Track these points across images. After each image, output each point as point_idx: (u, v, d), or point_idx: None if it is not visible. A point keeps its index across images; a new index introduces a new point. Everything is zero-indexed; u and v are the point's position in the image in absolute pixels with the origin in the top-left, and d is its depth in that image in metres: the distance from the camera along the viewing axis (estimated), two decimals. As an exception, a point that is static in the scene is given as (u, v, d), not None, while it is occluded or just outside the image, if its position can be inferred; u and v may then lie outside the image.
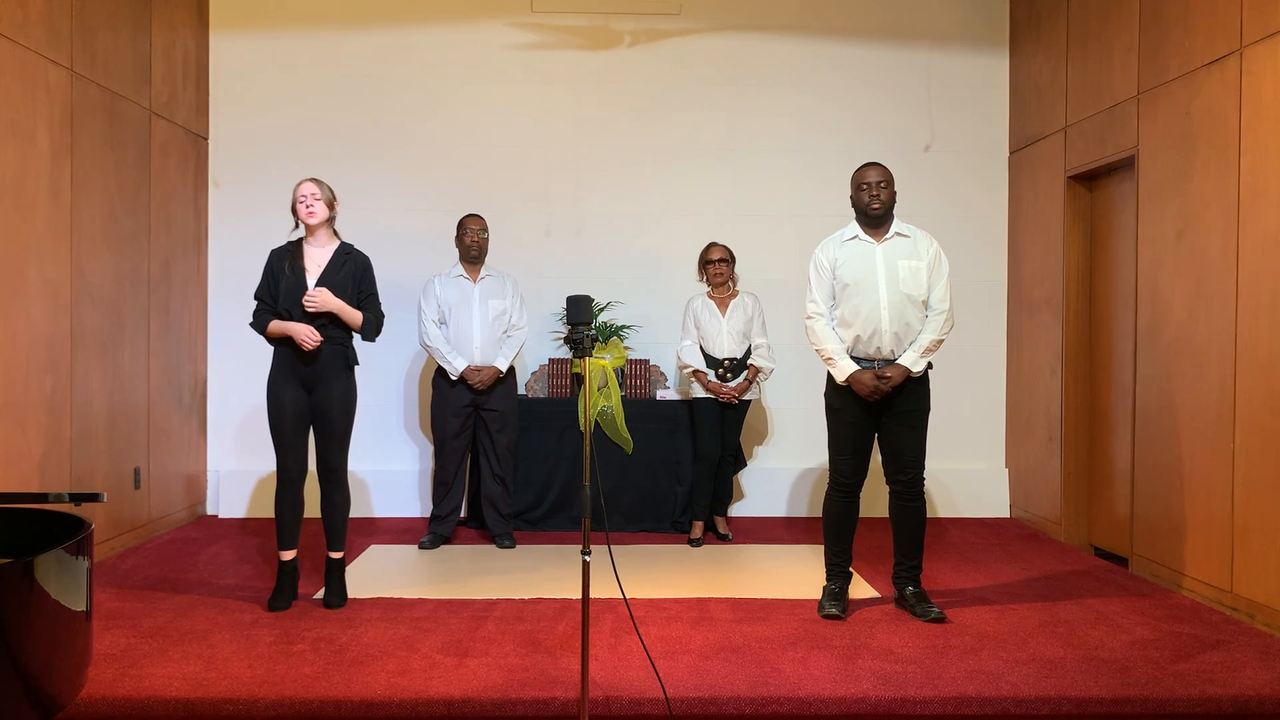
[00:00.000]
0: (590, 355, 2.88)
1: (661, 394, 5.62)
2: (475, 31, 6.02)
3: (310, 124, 5.96)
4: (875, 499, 5.02)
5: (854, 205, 3.90)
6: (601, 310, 5.83)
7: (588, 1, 6.00)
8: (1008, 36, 6.13)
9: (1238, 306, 3.96)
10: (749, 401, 5.27)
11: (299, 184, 3.93)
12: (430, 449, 5.91)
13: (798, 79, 6.09)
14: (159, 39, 5.29)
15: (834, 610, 3.81)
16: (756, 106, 6.08)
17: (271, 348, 3.95)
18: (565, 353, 5.92)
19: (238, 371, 5.85)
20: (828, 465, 4.00)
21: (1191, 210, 4.27)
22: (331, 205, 3.96)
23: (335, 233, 4.02)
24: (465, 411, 5.02)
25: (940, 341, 3.83)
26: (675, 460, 5.46)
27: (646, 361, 5.77)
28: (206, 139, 5.89)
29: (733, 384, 5.15)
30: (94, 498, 2.46)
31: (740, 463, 5.51)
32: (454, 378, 4.96)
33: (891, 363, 3.79)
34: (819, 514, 5.76)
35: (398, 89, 6.00)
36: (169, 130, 5.40)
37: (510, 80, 6.02)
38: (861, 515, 4.08)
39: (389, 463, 5.97)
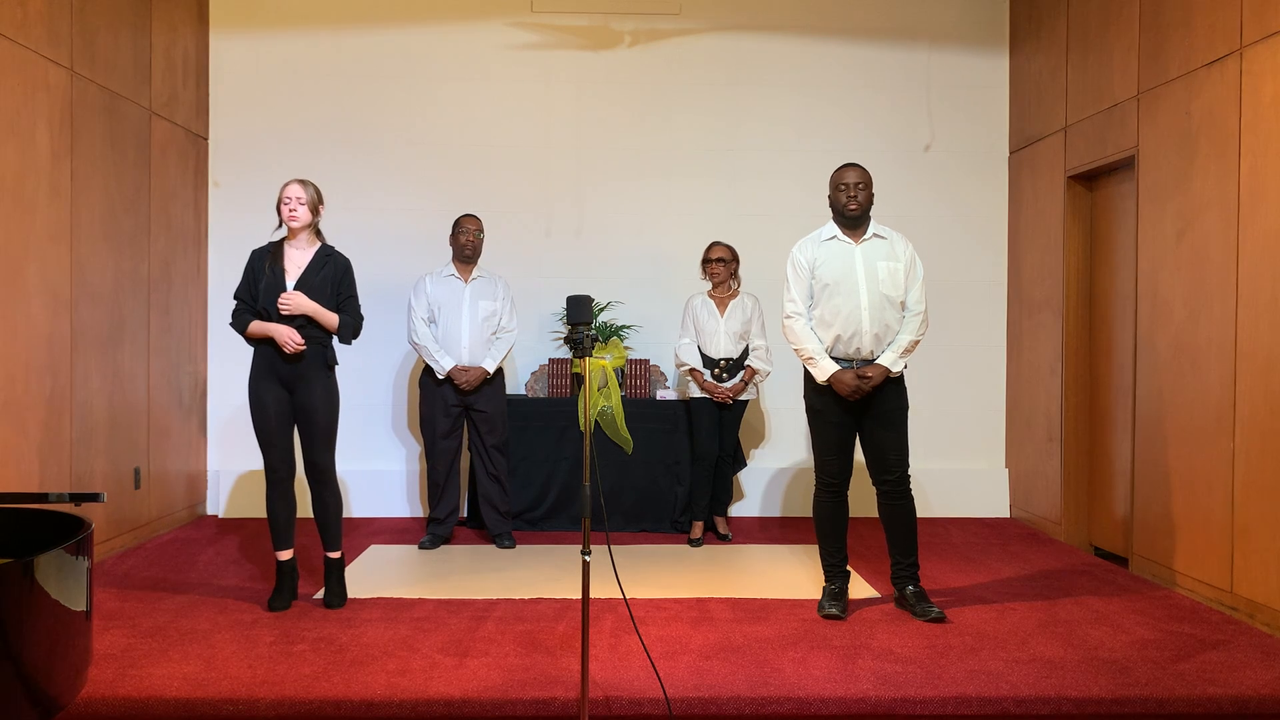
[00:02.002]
0: (590, 355, 2.88)
1: (661, 394, 5.62)
2: (475, 31, 6.02)
3: (310, 124, 5.96)
4: (872, 499, 5.02)
5: (831, 205, 3.91)
6: (601, 310, 5.83)
7: (588, 1, 6.00)
8: (1008, 36, 6.13)
9: (1238, 307, 3.96)
10: (745, 402, 5.27)
11: (285, 184, 3.93)
12: (419, 449, 5.91)
13: (798, 79, 6.09)
14: (159, 39, 5.29)
15: (834, 610, 3.82)
16: (756, 106, 6.08)
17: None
18: (565, 353, 5.92)
19: (238, 371, 5.82)
20: (812, 467, 4.00)
21: (1191, 210, 4.27)
22: (316, 209, 3.95)
23: (319, 234, 4.02)
24: (454, 411, 5.01)
25: (917, 342, 3.87)
26: (675, 460, 5.46)
27: (646, 361, 5.77)
28: (206, 139, 5.89)
29: (728, 384, 5.15)
30: (94, 498, 2.46)
31: (740, 463, 5.50)
32: (440, 377, 4.96)
33: (870, 363, 3.80)
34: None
35: (398, 89, 6.00)
36: (169, 130, 5.40)
37: (510, 80, 6.02)
38: (859, 515, 4.08)
39: (379, 463, 5.97)
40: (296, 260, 3.94)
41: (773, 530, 5.57)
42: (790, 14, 6.09)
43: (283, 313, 3.82)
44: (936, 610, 3.78)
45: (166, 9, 5.37)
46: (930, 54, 6.11)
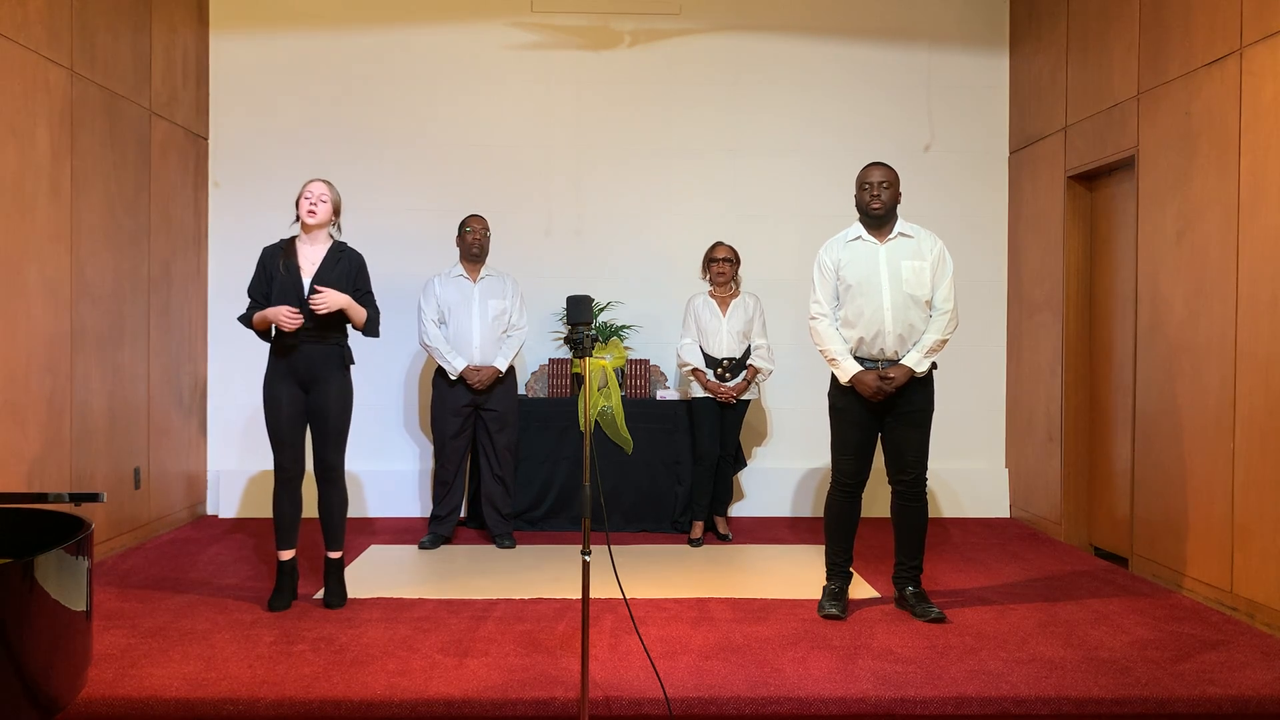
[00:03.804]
0: (590, 355, 2.88)
1: (661, 394, 5.62)
2: (475, 31, 6.02)
3: (310, 124, 5.96)
4: (877, 499, 5.02)
5: (857, 205, 3.90)
6: (601, 310, 5.83)
7: (588, 1, 6.00)
8: (1008, 36, 6.13)
9: (1238, 307, 3.96)
10: (748, 402, 5.27)
11: (310, 182, 3.93)
12: (430, 449, 5.91)
13: (798, 79, 6.09)
14: (159, 39, 5.29)
15: (834, 610, 3.81)
16: (756, 106, 6.08)
17: (268, 346, 3.95)
18: (565, 353, 5.92)
19: (238, 371, 5.85)
20: (830, 465, 4.00)
21: (1191, 210, 4.27)
22: (337, 210, 3.97)
23: (330, 232, 4.02)
24: (465, 411, 5.02)
25: (944, 341, 3.82)
26: (675, 460, 5.46)
27: (646, 361, 5.77)
28: (206, 139, 5.89)
29: (731, 384, 5.15)
30: (94, 498, 2.46)
31: (740, 463, 5.51)
32: (453, 378, 4.96)
33: (895, 363, 3.79)
34: (819, 514, 5.76)
35: (398, 89, 6.00)
36: (169, 130, 5.40)
37: (510, 80, 6.02)
38: (862, 515, 4.08)
39: (389, 463, 5.97)
40: (310, 256, 3.93)
41: (773, 530, 5.57)
42: (790, 14, 6.09)
43: (319, 312, 3.79)
44: (936, 611, 3.78)
45: (166, 9, 5.37)
46: (930, 54, 6.11)
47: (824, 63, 6.09)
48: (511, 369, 5.12)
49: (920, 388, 3.84)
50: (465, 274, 5.07)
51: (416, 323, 5.14)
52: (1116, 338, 5.06)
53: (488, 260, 5.15)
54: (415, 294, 5.20)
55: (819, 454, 5.55)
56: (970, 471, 6.08)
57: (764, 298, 5.34)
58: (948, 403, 5.99)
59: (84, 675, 2.24)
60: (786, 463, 6.05)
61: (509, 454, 5.10)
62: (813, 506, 5.97)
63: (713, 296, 5.22)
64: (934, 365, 3.85)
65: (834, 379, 3.91)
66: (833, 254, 3.91)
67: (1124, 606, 4.00)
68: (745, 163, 6.08)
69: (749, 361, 5.19)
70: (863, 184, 3.85)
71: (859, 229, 3.91)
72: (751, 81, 6.08)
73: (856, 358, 3.82)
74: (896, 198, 3.85)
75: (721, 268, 5.17)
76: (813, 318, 3.92)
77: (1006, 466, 6.11)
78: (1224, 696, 3.04)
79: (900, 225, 3.88)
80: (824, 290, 3.90)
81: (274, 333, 3.88)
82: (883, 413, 3.84)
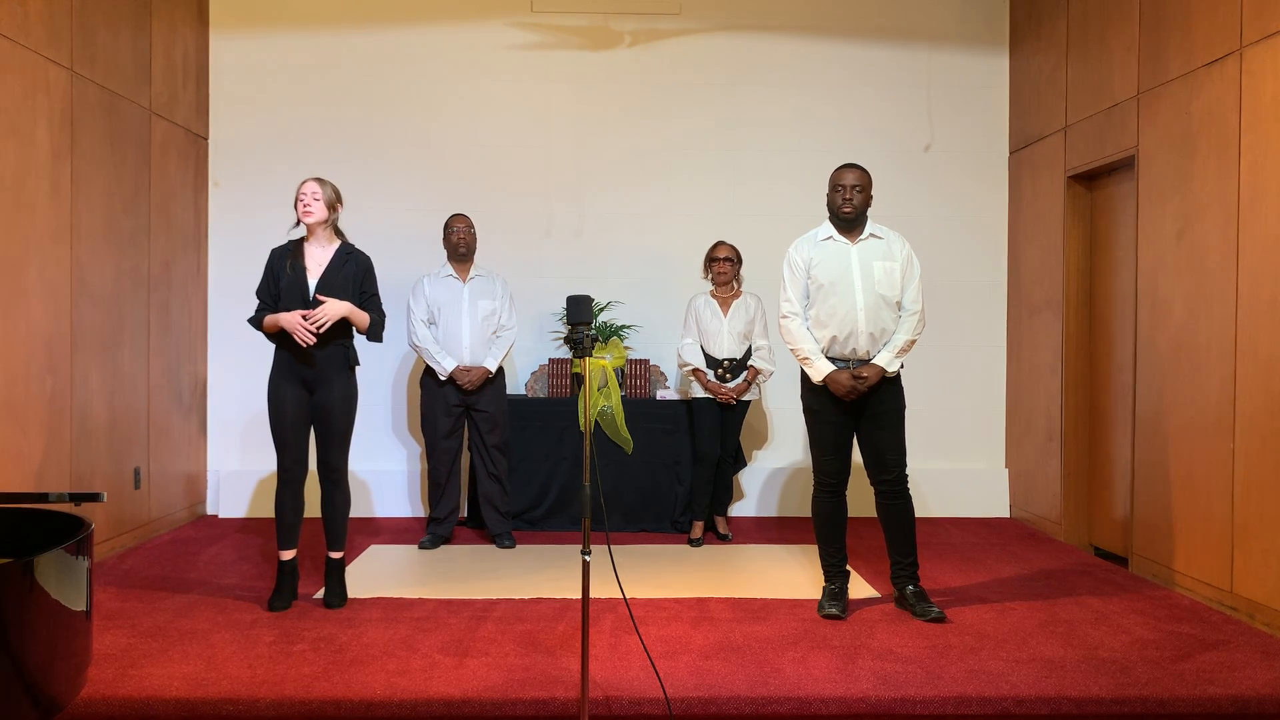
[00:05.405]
0: (590, 355, 2.88)
1: (661, 394, 5.62)
2: (475, 31, 6.02)
3: (310, 124, 5.96)
4: (871, 499, 5.01)
5: (828, 205, 3.91)
6: (601, 310, 5.83)
7: (588, 1, 6.00)
8: (1008, 36, 6.13)
9: (1238, 307, 3.96)
10: (748, 402, 5.27)
11: (303, 182, 3.93)
12: (419, 450, 5.91)
13: (797, 79, 6.09)
14: (159, 39, 5.29)
15: (834, 610, 3.82)
16: (756, 106, 6.08)
17: (273, 346, 3.95)
18: (565, 353, 5.92)
19: (238, 371, 5.85)
20: (811, 467, 4.00)
21: (1191, 210, 4.27)
22: (333, 206, 3.96)
23: (338, 232, 4.02)
24: (456, 412, 5.01)
25: (913, 342, 3.86)
26: (675, 460, 5.46)
27: (646, 361, 5.77)
28: (206, 139, 5.89)
29: (731, 384, 5.15)
30: (94, 498, 2.46)
31: (740, 463, 5.51)
32: (443, 378, 4.96)
33: (866, 362, 3.80)
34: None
35: (397, 89, 6.00)
36: (169, 130, 5.40)
37: (510, 80, 6.02)
38: (859, 515, 4.08)
39: (380, 463, 5.97)
40: (317, 258, 3.93)
41: (772, 530, 5.57)
42: (790, 14, 6.09)
43: (320, 329, 3.79)
44: (936, 610, 3.78)
45: (166, 9, 5.37)
46: (930, 54, 6.11)
47: (824, 62, 6.09)
48: (501, 369, 5.12)
49: (890, 388, 3.86)
50: (455, 274, 5.06)
51: (405, 323, 5.13)
52: (1116, 338, 5.06)
53: (476, 259, 5.15)
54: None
55: (819, 454, 5.55)
56: (970, 471, 6.08)
57: (765, 298, 5.33)
58: (947, 403, 6.02)
59: (84, 675, 2.24)
60: (787, 463, 6.05)
61: (500, 453, 5.10)
62: (811, 507, 5.95)
63: (714, 296, 5.22)
64: (901, 365, 3.86)
65: (805, 381, 3.91)
66: (803, 252, 3.92)
67: (1124, 606, 4.00)
68: (745, 162, 6.08)
69: (750, 362, 5.19)
70: (836, 185, 3.85)
71: (829, 229, 3.92)
72: (751, 81, 6.08)
73: (828, 357, 3.83)
74: (868, 201, 3.86)
75: (722, 267, 5.17)
76: (784, 316, 3.92)
77: (1006, 466, 6.11)
78: (1224, 696, 3.04)
79: (870, 226, 3.90)
80: (795, 289, 3.90)
81: (282, 334, 3.88)
82: (855, 412, 3.85)
